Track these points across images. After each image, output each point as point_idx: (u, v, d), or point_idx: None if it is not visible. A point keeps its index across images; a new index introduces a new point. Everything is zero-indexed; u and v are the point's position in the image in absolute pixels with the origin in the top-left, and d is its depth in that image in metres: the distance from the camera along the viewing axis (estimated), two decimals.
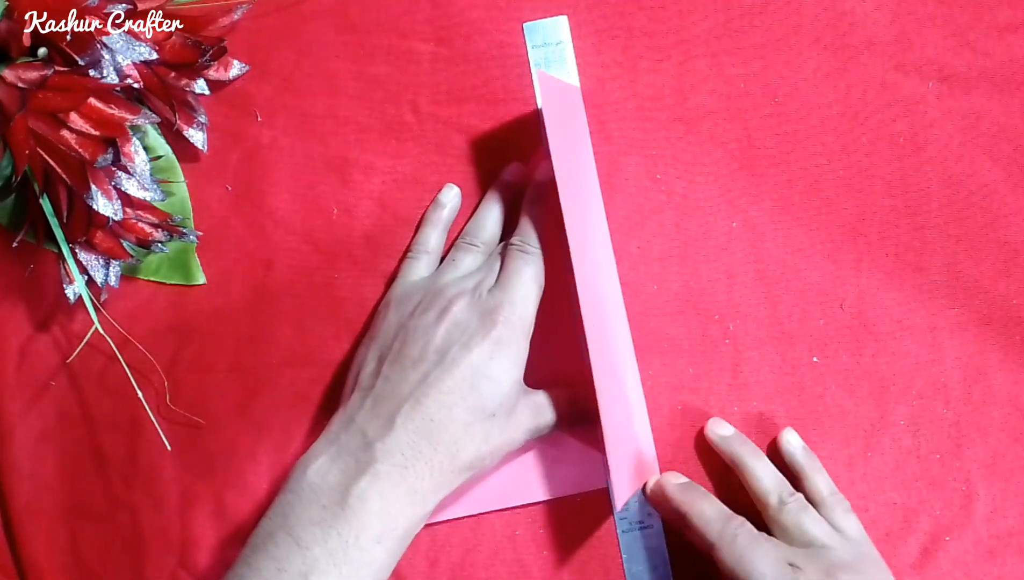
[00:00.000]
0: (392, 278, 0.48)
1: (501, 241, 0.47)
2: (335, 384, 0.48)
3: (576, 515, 0.47)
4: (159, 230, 0.46)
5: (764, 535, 0.41)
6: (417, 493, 0.40)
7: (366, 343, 0.45)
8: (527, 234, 0.45)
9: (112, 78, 0.41)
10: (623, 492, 0.44)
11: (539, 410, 0.44)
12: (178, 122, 0.46)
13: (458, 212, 0.48)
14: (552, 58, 0.48)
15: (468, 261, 0.46)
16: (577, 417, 0.45)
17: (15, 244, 0.44)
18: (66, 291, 0.45)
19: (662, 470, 0.46)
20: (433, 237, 0.48)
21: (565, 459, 0.47)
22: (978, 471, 0.46)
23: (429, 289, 0.44)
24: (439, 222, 0.48)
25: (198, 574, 0.48)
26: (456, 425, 0.40)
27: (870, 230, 0.47)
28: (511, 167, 0.48)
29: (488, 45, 0.48)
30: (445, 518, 0.47)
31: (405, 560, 0.46)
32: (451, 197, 0.48)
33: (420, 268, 0.47)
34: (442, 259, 0.48)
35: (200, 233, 0.48)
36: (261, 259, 0.49)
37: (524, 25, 0.48)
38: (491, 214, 0.47)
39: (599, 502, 0.47)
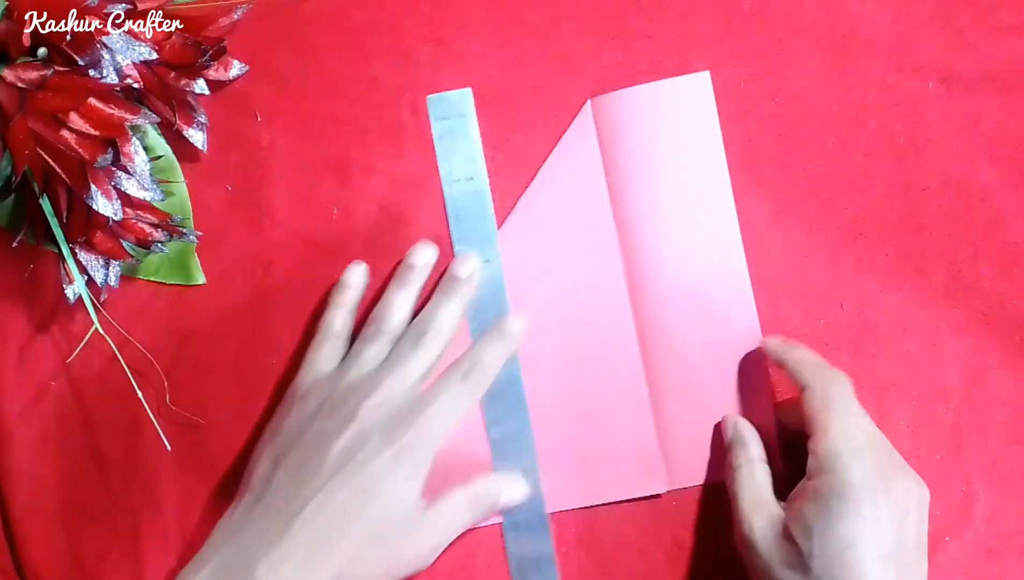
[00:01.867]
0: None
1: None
2: None
3: (576, 516, 0.47)
4: (159, 230, 0.46)
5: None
6: None
7: (266, 437, 0.43)
8: (476, 361, 0.43)
9: (112, 78, 0.41)
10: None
11: (444, 525, 0.42)
12: (178, 122, 0.46)
13: (366, 288, 0.47)
14: None
15: (373, 353, 0.43)
16: (483, 513, 0.44)
17: (15, 244, 0.44)
18: (66, 291, 0.45)
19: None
20: (339, 320, 0.45)
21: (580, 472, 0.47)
22: (978, 471, 0.46)
23: (334, 389, 0.42)
24: (345, 304, 0.46)
25: None
26: (348, 544, 0.38)
27: (870, 230, 0.47)
28: (421, 248, 0.46)
29: (488, 45, 0.48)
30: None
31: None
32: (357, 276, 0.46)
33: (326, 355, 0.45)
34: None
35: (200, 233, 0.48)
36: (261, 259, 0.49)
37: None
38: (399, 298, 0.45)
39: (598, 506, 0.47)
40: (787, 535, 0.39)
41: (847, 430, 0.40)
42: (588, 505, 0.47)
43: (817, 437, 0.40)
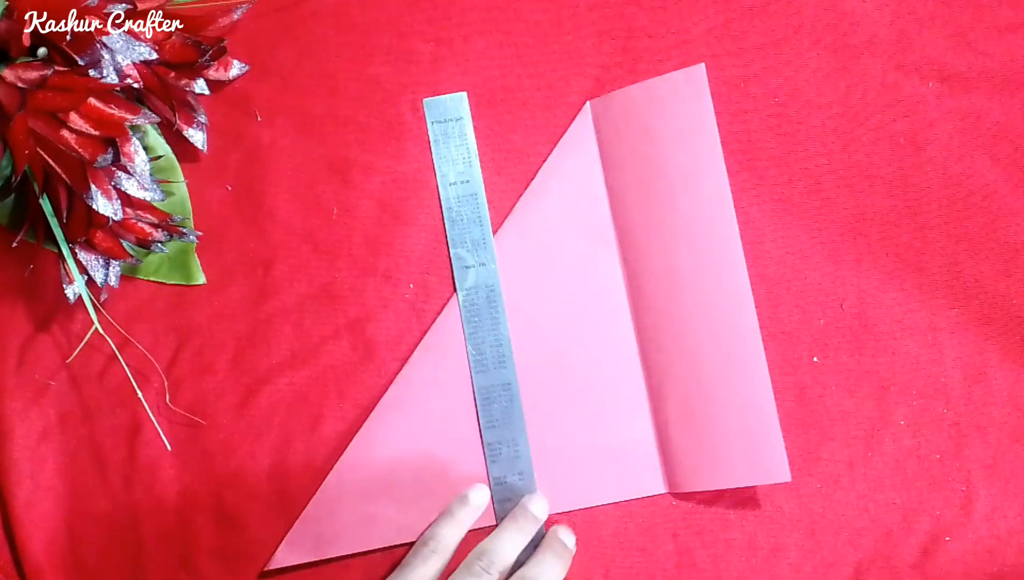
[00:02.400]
0: (389, 276, 0.48)
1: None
2: (335, 384, 0.48)
3: (577, 516, 0.47)
4: (159, 230, 0.46)
5: None
6: None
7: None
8: None
9: (112, 78, 0.41)
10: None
11: None
12: (178, 122, 0.46)
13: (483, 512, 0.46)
14: None
15: None
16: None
17: (15, 244, 0.44)
18: (66, 291, 0.45)
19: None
20: (451, 535, 0.45)
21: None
22: (978, 471, 0.46)
23: None
24: (463, 523, 0.46)
25: (198, 574, 0.48)
26: None
27: (870, 230, 0.47)
28: (539, 501, 0.46)
29: (487, 45, 0.48)
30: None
31: None
32: (480, 497, 0.46)
33: (430, 570, 0.44)
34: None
35: (200, 233, 0.48)
36: (261, 259, 0.49)
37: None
38: (513, 541, 0.45)
39: (598, 506, 0.47)
40: None
41: None
42: (587, 506, 0.47)
43: None
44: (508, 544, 0.45)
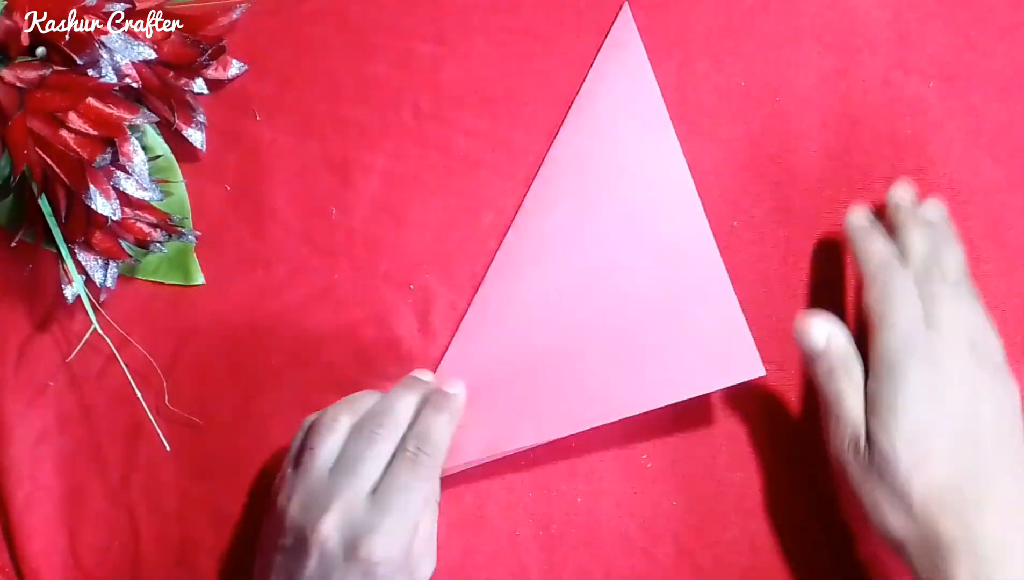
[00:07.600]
0: (389, 276, 0.48)
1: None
2: (335, 384, 0.48)
3: (576, 517, 0.47)
4: (158, 230, 0.46)
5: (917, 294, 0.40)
6: None
7: (267, 532, 0.42)
8: (424, 437, 0.42)
9: (111, 78, 0.41)
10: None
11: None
12: (177, 122, 0.46)
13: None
14: None
15: (380, 449, 0.42)
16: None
17: (14, 244, 0.44)
18: (65, 291, 0.45)
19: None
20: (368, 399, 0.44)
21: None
22: None
23: (325, 490, 0.40)
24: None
25: (196, 575, 0.48)
26: None
27: None
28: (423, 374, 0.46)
29: (488, 45, 0.48)
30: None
31: None
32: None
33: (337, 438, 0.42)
34: None
35: (199, 233, 0.48)
36: (261, 259, 0.49)
37: None
38: (404, 400, 0.43)
39: (598, 506, 0.47)
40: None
41: (899, 326, 0.39)
42: (672, 402, 0.44)
43: (873, 334, 0.40)
44: (397, 403, 0.43)
